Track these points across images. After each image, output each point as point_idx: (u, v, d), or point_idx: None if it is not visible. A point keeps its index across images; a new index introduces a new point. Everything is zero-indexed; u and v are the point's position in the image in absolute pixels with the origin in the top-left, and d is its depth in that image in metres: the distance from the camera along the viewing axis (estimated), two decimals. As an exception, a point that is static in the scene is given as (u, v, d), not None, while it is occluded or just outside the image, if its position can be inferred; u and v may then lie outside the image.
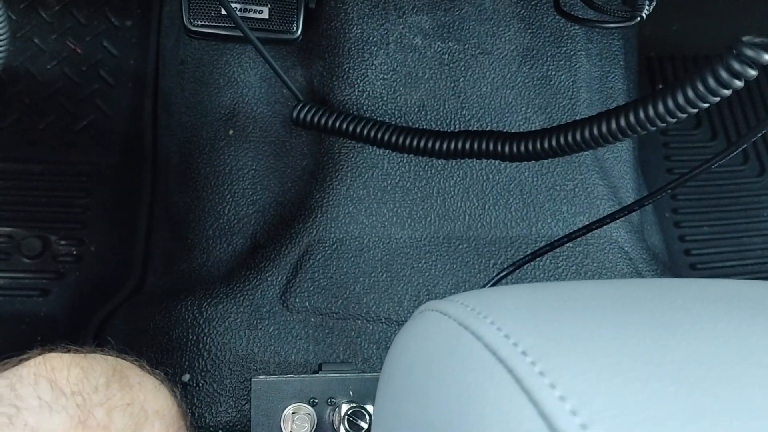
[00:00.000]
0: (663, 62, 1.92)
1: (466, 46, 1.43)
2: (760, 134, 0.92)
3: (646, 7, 0.91)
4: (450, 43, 1.43)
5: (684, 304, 0.43)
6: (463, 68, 1.42)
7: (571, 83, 1.46)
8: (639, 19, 0.93)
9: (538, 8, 1.46)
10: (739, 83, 0.87)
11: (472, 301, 0.45)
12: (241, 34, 1.14)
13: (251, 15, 1.26)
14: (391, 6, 1.41)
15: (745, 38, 0.85)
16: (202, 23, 1.24)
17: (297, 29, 1.31)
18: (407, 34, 1.41)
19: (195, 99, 1.42)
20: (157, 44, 1.57)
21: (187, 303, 1.26)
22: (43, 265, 1.55)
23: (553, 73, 1.46)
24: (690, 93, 0.89)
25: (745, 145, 1.11)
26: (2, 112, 1.66)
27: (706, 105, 0.91)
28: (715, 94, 0.89)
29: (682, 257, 1.80)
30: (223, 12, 1.24)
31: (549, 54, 1.47)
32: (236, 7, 1.24)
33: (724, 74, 0.86)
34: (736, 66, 0.85)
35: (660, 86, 1.86)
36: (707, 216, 1.84)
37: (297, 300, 1.26)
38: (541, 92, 1.46)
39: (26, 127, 1.65)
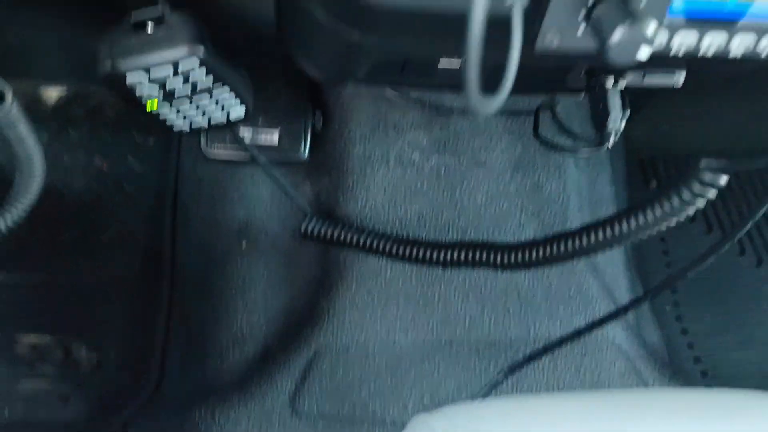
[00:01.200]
0: (655, 163, 2.01)
1: (461, 159, 1.54)
2: (750, 224, 1.00)
3: (613, 136, 1.01)
4: (446, 157, 1.54)
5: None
6: (459, 180, 1.53)
7: (561, 190, 1.56)
8: (605, 147, 1.03)
9: (526, 123, 1.58)
10: (702, 201, 0.96)
11: (460, 416, 0.52)
12: (255, 158, 1.26)
13: (262, 141, 1.39)
14: (390, 125, 1.53)
15: (703, 163, 0.95)
16: (218, 149, 1.36)
17: (305, 151, 1.43)
18: (406, 150, 1.53)
19: (210, 214, 1.53)
20: (177, 162, 1.70)
21: (202, 410, 1.32)
22: (65, 372, 1.62)
23: (544, 181, 1.56)
24: (658, 212, 0.98)
25: (740, 236, 1.18)
26: (29, 225, 1.78)
27: (676, 220, 1.00)
28: (681, 212, 0.98)
29: (685, 351, 1.83)
30: (237, 139, 1.36)
31: (539, 163, 1.58)
32: (248, 135, 1.37)
33: (687, 196, 0.96)
34: (697, 188, 0.94)
35: (653, 186, 1.95)
36: (708, 309, 1.88)
37: (305, 405, 1.32)
38: (533, 200, 1.55)
39: (52, 238, 1.75)
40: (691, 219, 2.10)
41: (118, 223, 1.80)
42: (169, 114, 1.00)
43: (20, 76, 1.51)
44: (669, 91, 0.95)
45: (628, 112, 1.02)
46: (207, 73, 0.92)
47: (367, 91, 1.55)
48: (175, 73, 0.89)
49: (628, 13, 0.54)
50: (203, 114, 1.03)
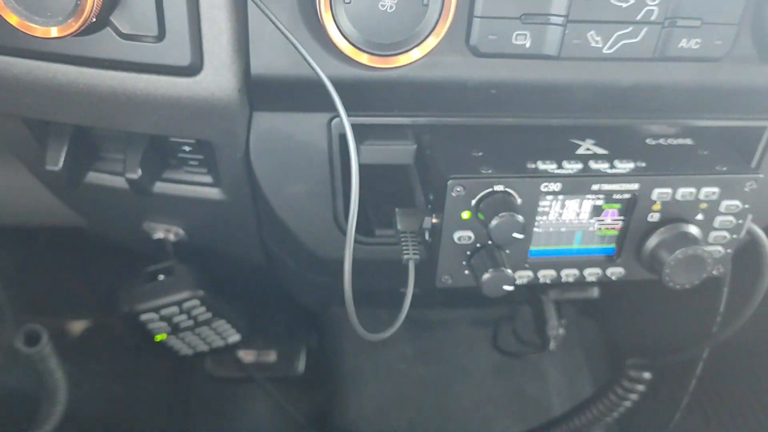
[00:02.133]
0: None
1: (445, 367, 1.68)
2: None
3: (552, 341, 1.18)
4: (431, 366, 1.68)
5: None
6: (444, 387, 1.65)
7: (542, 393, 1.67)
8: (551, 348, 1.19)
9: (504, 331, 1.74)
10: (634, 395, 1.09)
11: None
12: (253, 377, 1.42)
13: (262, 360, 1.56)
14: (381, 339, 1.70)
15: (629, 362, 1.09)
16: (222, 370, 1.53)
17: (301, 367, 1.59)
18: (394, 362, 1.68)
19: (217, 429, 1.65)
20: (187, 383, 1.85)
21: None
22: None
23: (525, 384, 1.68)
24: (599, 409, 1.11)
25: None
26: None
27: (616, 414, 1.12)
28: (619, 406, 1.11)
29: None
30: (239, 359, 1.54)
31: (519, 368, 1.71)
32: (249, 355, 1.55)
33: (620, 391, 1.09)
34: (627, 384, 1.08)
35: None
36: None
37: None
38: (516, 403, 1.66)
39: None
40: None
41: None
42: (175, 343, 1.19)
43: (52, 315, 1.73)
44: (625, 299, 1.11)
45: (564, 321, 1.19)
46: (207, 310, 1.12)
47: (359, 311, 1.74)
48: (180, 311, 1.10)
49: (494, 263, 0.74)
50: (205, 341, 1.22)
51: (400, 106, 0.74)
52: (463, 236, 0.73)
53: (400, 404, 1.64)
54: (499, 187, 0.70)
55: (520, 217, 0.68)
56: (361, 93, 0.70)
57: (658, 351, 1.09)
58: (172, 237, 1.05)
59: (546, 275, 0.78)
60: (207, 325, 1.17)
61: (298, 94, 0.70)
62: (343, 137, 0.78)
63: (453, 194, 0.70)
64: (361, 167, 0.78)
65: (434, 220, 0.74)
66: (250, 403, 1.66)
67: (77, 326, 1.99)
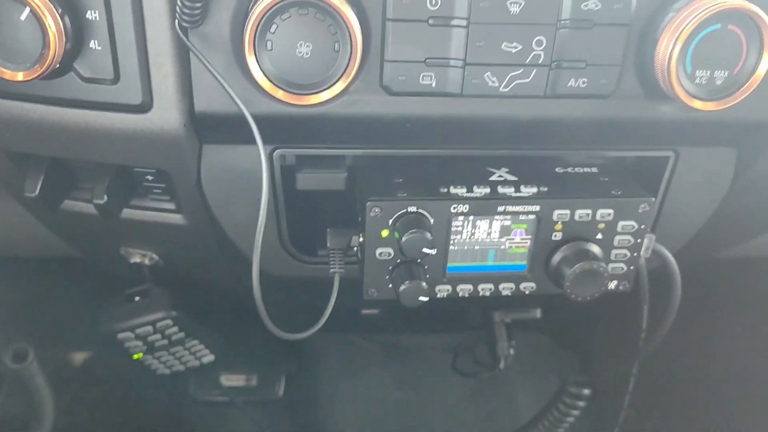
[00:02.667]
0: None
1: (420, 393, 1.75)
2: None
3: (503, 360, 1.25)
4: (406, 391, 1.75)
5: None
6: (418, 413, 1.72)
7: (513, 417, 1.73)
8: (501, 366, 1.27)
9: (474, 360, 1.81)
10: (576, 411, 1.16)
11: None
12: (233, 401, 1.50)
13: (242, 384, 1.64)
14: (357, 366, 1.78)
15: (570, 379, 1.17)
16: (204, 393, 1.61)
17: (280, 391, 1.67)
18: (371, 387, 1.75)
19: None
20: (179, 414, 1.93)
21: None
22: None
23: (497, 411, 1.75)
24: (545, 425, 1.18)
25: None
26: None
27: (563, 428, 1.19)
28: (563, 422, 1.17)
29: None
30: (221, 383, 1.62)
31: (492, 394, 1.78)
32: (228, 378, 1.63)
33: (562, 407, 1.16)
34: (568, 401, 1.15)
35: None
36: None
37: None
38: (488, 427, 1.72)
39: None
40: None
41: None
42: (152, 362, 1.28)
43: (47, 343, 1.81)
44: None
45: (513, 342, 1.26)
46: (179, 330, 1.22)
47: (338, 337, 1.82)
48: (155, 330, 1.19)
49: (411, 276, 0.83)
50: (179, 361, 1.31)
51: (333, 138, 0.85)
52: (384, 252, 0.82)
53: (376, 429, 1.71)
54: (412, 209, 0.80)
55: (428, 234, 0.78)
56: (295, 127, 0.80)
57: (600, 368, 1.16)
58: (147, 261, 1.15)
59: (464, 289, 0.87)
60: (181, 345, 1.26)
61: (239, 128, 0.80)
62: (285, 168, 0.89)
63: (371, 214, 0.79)
64: (306, 192, 0.89)
65: (360, 239, 0.83)
66: (231, 425, 1.73)
67: (78, 356, 2.07)
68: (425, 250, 0.78)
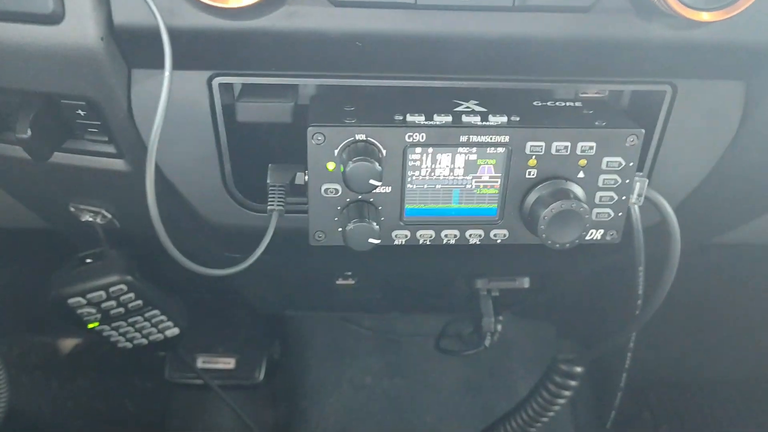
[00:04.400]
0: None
1: (412, 382, 1.64)
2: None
3: (489, 337, 1.14)
4: (397, 380, 1.64)
5: None
6: (409, 402, 1.61)
7: (511, 410, 1.61)
8: (483, 347, 1.15)
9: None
10: (567, 391, 1.04)
11: None
12: (209, 384, 1.41)
13: (220, 366, 1.55)
14: (345, 352, 1.67)
15: (559, 356, 1.05)
16: (179, 376, 1.52)
17: (260, 375, 1.57)
18: (359, 374, 1.64)
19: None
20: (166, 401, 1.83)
21: None
22: None
23: (495, 403, 1.62)
24: (536, 406, 1.06)
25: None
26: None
27: (552, 412, 1.07)
28: (556, 401, 1.05)
29: None
30: (198, 365, 1.53)
31: (489, 385, 1.66)
32: (206, 360, 1.53)
33: (552, 387, 1.04)
34: (558, 379, 1.03)
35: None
36: None
37: None
38: (484, 420, 1.60)
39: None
40: None
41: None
42: (110, 333, 1.19)
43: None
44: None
45: (501, 317, 1.15)
46: (136, 298, 1.12)
47: (325, 321, 1.72)
48: (108, 297, 1.10)
49: (359, 215, 0.72)
50: (141, 333, 1.21)
51: (278, 63, 0.75)
52: (330, 189, 0.72)
53: (362, 418, 1.60)
54: (360, 136, 0.69)
55: (377, 165, 0.67)
56: (231, 47, 0.71)
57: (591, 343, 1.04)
58: (99, 220, 1.06)
59: (425, 236, 0.76)
60: (140, 315, 1.17)
61: (172, 48, 0.71)
62: (229, 99, 0.79)
63: (314, 142, 0.69)
64: (253, 127, 0.80)
65: (306, 176, 0.73)
66: (212, 415, 1.63)
67: (66, 343, 2.00)
68: (373, 181, 0.68)
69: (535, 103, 0.78)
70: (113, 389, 1.96)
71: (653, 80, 0.80)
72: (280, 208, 0.74)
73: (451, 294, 1.22)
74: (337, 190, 0.72)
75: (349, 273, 1.16)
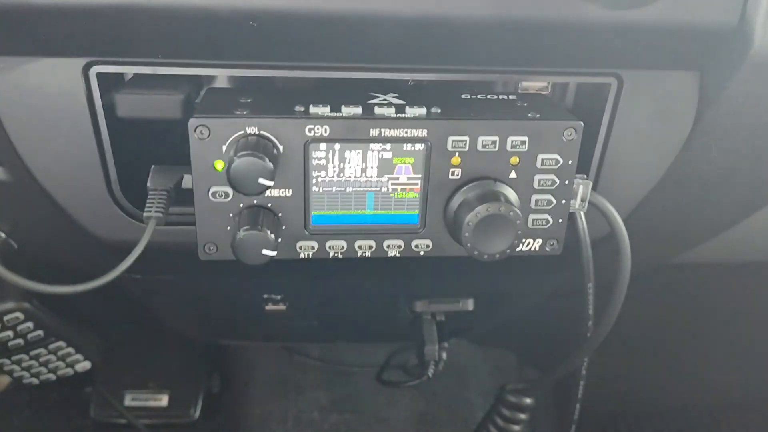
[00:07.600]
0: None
1: (362, 416, 1.52)
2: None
3: (431, 369, 1.03)
4: (346, 415, 1.52)
5: None
6: (358, 439, 1.48)
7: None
8: (426, 377, 1.05)
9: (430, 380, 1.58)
10: (516, 426, 0.93)
11: None
12: (135, 424, 1.27)
13: (150, 404, 1.41)
14: (291, 385, 1.55)
15: (508, 386, 0.94)
16: (105, 416, 1.39)
17: (195, 413, 1.44)
18: (305, 409, 1.52)
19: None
20: None
21: None
22: None
23: (451, 436, 1.51)
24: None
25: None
26: None
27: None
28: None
29: None
30: (126, 403, 1.39)
31: (445, 419, 1.54)
32: (135, 397, 1.40)
33: (499, 422, 0.93)
34: (506, 412, 0.92)
35: None
36: None
37: None
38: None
39: None
40: None
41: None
42: (10, 366, 1.06)
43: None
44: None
45: (445, 344, 1.04)
46: (36, 327, 1.00)
47: (268, 351, 1.60)
48: (4, 326, 0.97)
49: (252, 222, 0.62)
50: (46, 368, 1.08)
51: (165, 48, 0.65)
52: (219, 192, 0.61)
53: (307, 457, 1.47)
54: (252, 129, 0.59)
55: (267, 160, 0.57)
56: (104, 27, 0.61)
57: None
58: (-9, 240, 0.94)
59: (335, 247, 0.66)
60: (43, 347, 1.04)
61: (34, 29, 0.61)
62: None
63: (197, 136, 0.59)
64: (141, 124, 0.69)
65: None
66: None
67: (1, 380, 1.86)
68: (263, 181, 0.57)
69: (463, 96, 0.68)
70: (44, 428, 1.81)
71: (596, 71, 0.71)
72: (159, 214, 0.63)
73: (395, 319, 1.11)
74: (227, 194, 0.61)
75: (278, 297, 1.05)
